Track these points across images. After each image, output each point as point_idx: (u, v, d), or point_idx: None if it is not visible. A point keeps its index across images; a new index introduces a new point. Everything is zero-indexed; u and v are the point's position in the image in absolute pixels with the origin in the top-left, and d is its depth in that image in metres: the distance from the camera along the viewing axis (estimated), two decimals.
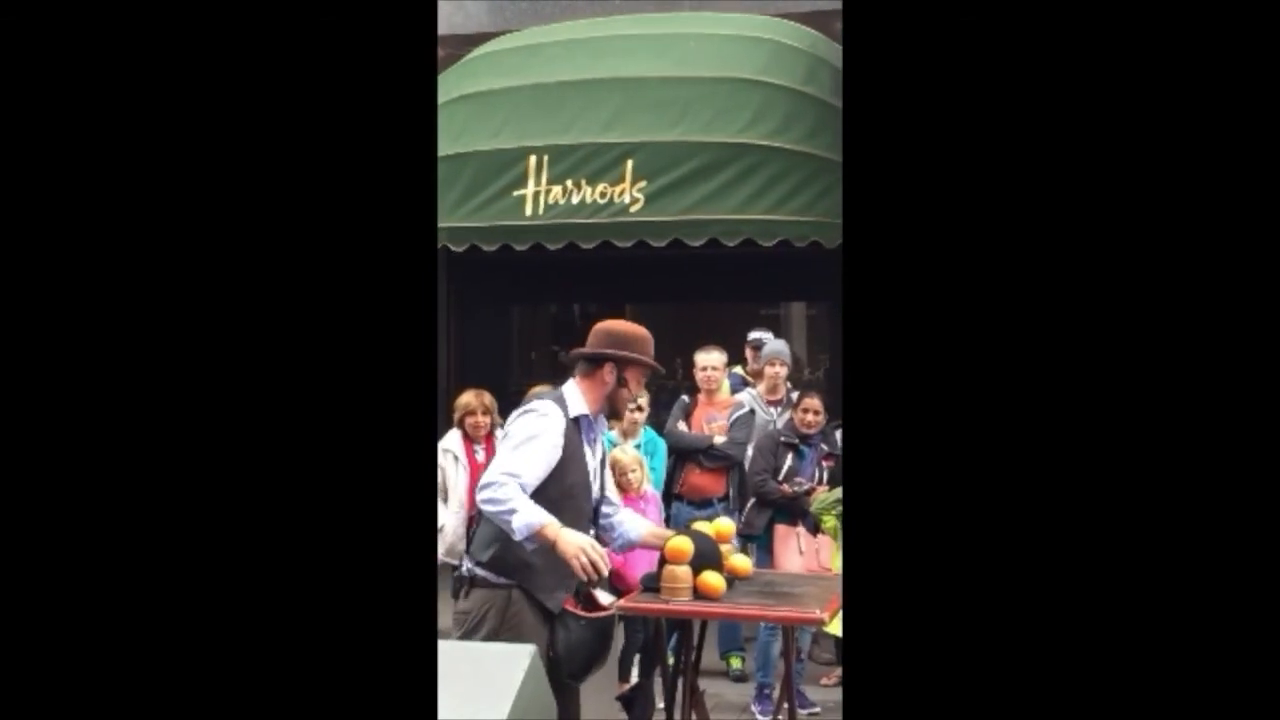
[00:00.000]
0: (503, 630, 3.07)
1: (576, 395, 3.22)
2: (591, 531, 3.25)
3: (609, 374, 3.22)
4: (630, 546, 3.57)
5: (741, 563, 3.62)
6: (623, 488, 4.74)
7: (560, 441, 3.11)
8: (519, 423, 3.15)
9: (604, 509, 3.41)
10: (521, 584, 3.10)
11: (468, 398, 5.20)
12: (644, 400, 5.41)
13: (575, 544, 2.97)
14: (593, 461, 3.27)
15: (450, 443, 5.12)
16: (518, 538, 2.98)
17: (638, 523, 3.54)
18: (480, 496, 3.04)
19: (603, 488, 3.37)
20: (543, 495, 3.05)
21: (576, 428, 3.20)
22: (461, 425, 5.16)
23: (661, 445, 5.40)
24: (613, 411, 3.27)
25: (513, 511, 2.96)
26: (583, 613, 3.19)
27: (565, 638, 3.14)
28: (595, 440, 3.31)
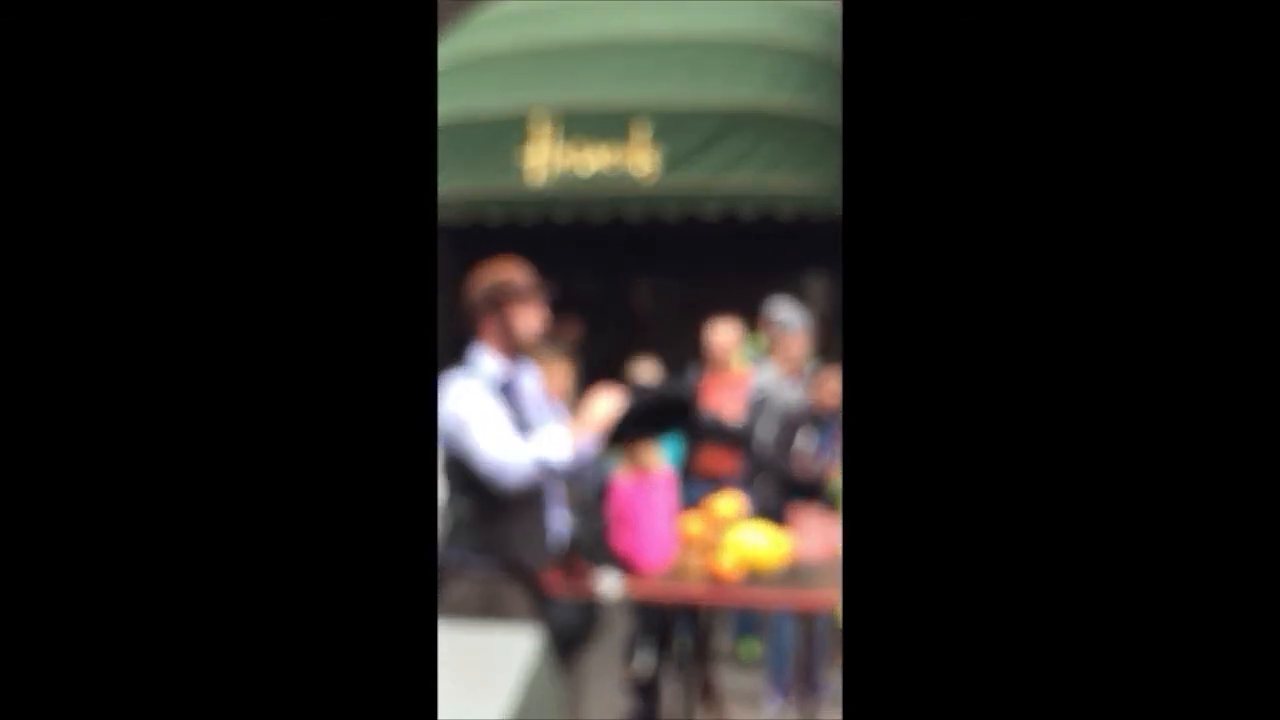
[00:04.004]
0: (492, 617, 3.00)
1: (486, 355, 3.16)
2: (563, 490, 3.22)
3: (490, 325, 3.16)
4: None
5: (761, 553, 3.46)
6: (636, 462, 4.59)
7: (488, 400, 3.06)
8: (452, 411, 3.06)
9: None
10: (504, 557, 3.04)
11: None
12: (651, 374, 5.25)
13: (599, 415, 3.06)
14: (536, 417, 3.19)
15: None
16: (569, 467, 2.99)
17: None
18: (510, 484, 3.00)
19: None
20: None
21: (505, 393, 3.13)
22: None
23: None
24: (517, 347, 3.16)
25: (545, 461, 2.97)
26: (563, 592, 3.15)
27: (553, 622, 3.07)
28: (518, 389, 3.21)
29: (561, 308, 5.18)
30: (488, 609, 3.01)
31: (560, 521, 3.22)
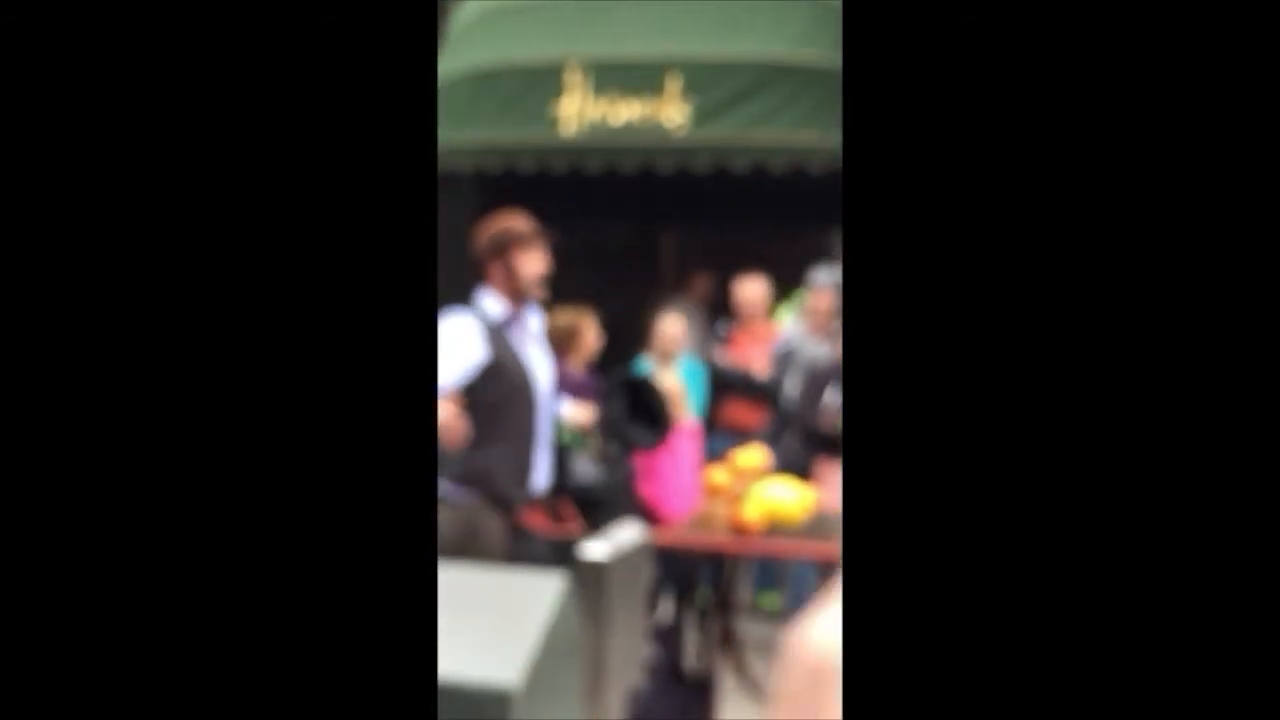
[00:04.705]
0: (469, 546, 3.12)
1: (490, 297, 3.29)
2: (541, 427, 3.30)
3: (496, 269, 3.29)
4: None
5: (785, 506, 3.49)
6: None
7: (474, 342, 3.18)
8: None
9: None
10: (486, 491, 3.16)
11: None
12: (679, 327, 5.27)
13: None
14: (530, 357, 3.32)
15: None
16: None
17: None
18: None
19: (552, 385, 3.45)
20: (484, 397, 3.15)
21: (501, 330, 3.24)
22: None
23: (701, 373, 5.25)
24: (517, 295, 3.30)
25: None
26: (544, 531, 3.25)
27: (527, 557, 3.17)
28: (515, 330, 3.33)
29: (696, 263, 5.29)
30: (465, 537, 3.12)
31: (546, 462, 3.31)
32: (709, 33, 5.41)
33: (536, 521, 3.24)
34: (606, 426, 3.52)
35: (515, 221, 3.35)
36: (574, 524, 3.32)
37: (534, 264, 3.29)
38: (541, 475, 3.30)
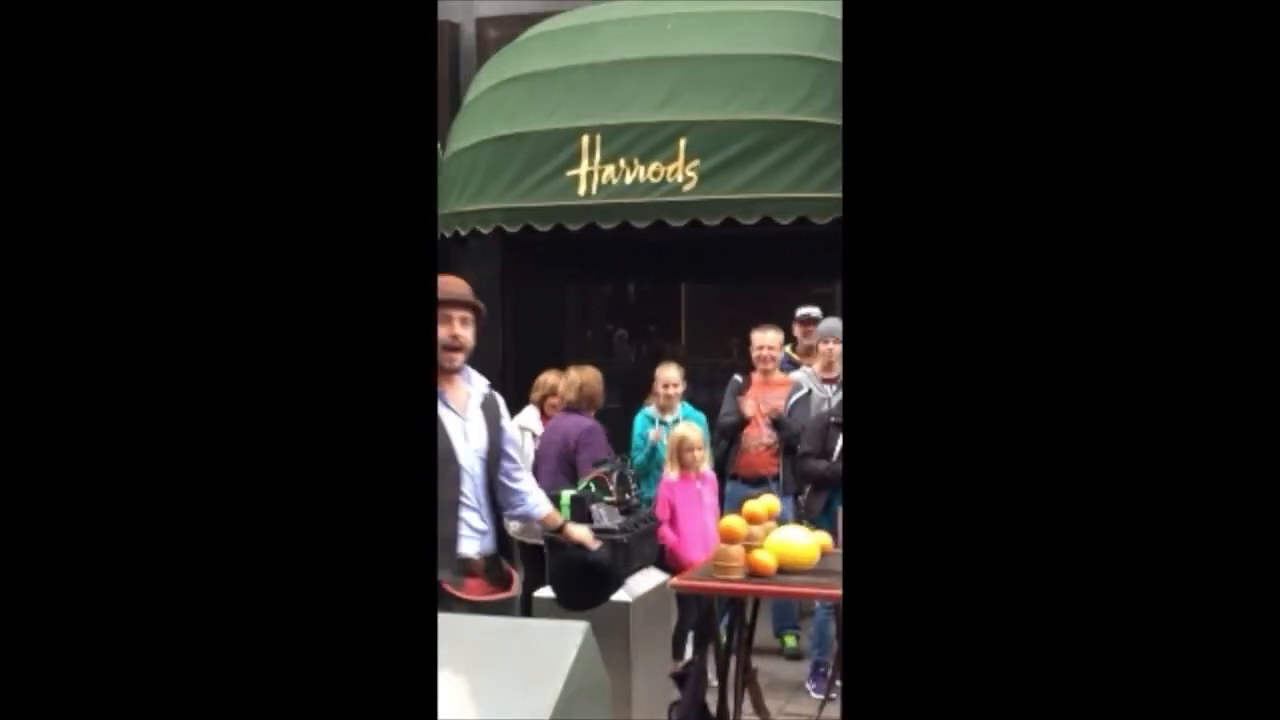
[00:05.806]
0: None
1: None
2: (470, 496, 3.24)
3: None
4: (528, 519, 3.62)
5: (797, 548, 3.62)
6: (684, 465, 4.76)
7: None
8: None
9: (509, 469, 3.39)
10: None
11: (550, 378, 5.31)
12: (677, 376, 5.35)
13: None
14: (457, 426, 3.23)
15: (527, 420, 5.26)
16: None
17: (542, 500, 3.54)
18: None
19: (497, 452, 3.31)
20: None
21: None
22: (541, 405, 5.30)
23: (701, 421, 5.37)
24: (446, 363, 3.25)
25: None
26: (474, 596, 3.16)
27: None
28: (455, 408, 3.26)
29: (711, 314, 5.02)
30: None
31: (477, 533, 3.22)
32: (715, 96, 5.61)
33: (474, 588, 3.13)
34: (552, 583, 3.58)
35: (445, 286, 3.19)
36: (512, 586, 3.24)
37: (441, 332, 3.16)
38: (483, 540, 3.23)
